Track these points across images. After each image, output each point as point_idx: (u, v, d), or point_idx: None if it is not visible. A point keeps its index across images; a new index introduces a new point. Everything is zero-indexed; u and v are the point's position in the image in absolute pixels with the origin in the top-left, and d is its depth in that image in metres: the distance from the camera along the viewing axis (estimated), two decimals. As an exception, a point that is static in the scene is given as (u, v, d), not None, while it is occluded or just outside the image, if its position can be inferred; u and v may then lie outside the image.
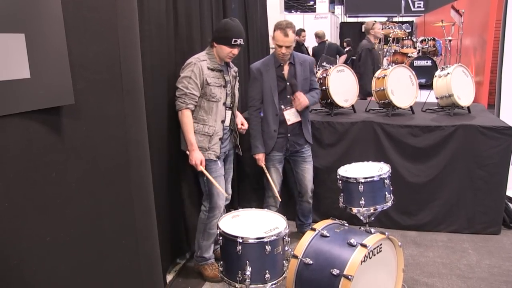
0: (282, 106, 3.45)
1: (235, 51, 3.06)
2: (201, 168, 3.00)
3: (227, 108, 3.16)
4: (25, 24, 1.34)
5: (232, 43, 3.00)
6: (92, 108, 1.63)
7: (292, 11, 32.49)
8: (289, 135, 3.50)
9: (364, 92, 5.55)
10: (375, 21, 6.46)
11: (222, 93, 3.08)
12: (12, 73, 1.32)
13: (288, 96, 3.46)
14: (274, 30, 3.32)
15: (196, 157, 2.98)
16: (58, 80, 1.46)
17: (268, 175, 3.46)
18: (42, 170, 1.44)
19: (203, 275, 3.26)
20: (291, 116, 3.46)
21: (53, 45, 1.43)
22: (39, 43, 1.38)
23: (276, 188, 3.48)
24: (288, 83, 3.44)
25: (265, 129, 3.46)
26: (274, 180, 3.51)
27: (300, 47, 8.26)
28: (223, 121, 3.11)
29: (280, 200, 3.53)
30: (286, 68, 3.46)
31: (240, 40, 3.03)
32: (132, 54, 1.82)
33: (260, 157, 3.46)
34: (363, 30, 6.27)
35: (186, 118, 2.98)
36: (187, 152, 3.04)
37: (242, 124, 3.35)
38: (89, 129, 1.62)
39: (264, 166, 3.47)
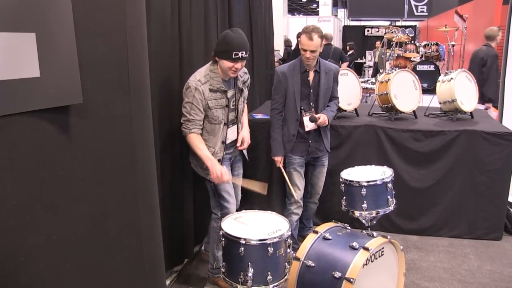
0: (303, 112, 3.43)
1: (238, 65, 2.84)
2: (226, 178, 2.89)
3: (231, 125, 3.07)
4: (36, 23, 1.35)
5: (233, 56, 2.79)
6: (100, 107, 1.64)
7: (295, 13, 32.58)
8: (310, 141, 3.50)
9: (485, 98, 5.46)
10: (499, 27, 6.26)
11: (224, 114, 2.98)
12: (22, 72, 1.33)
13: (311, 103, 3.45)
14: (301, 34, 3.30)
15: (217, 169, 2.85)
16: (67, 80, 1.47)
17: (286, 176, 3.46)
18: (49, 168, 1.45)
19: (220, 287, 3.19)
20: (309, 123, 3.43)
21: (63, 44, 1.44)
22: (50, 42, 1.39)
23: (294, 189, 3.47)
24: (311, 90, 3.43)
25: (285, 132, 3.48)
26: (296, 182, 3.52)
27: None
28: (223, 142, 3.02)
29: (295, 198, 3.49)
30: (311, 75, 3.43)
31: (242, 53, 2.81)
32: (140, 55, 1.84)
33: (279, 160, 3.48)
34: (485, 36, 6.00)
35: (193, 140, 2.88)
36: (207, 172, 2.95)
37: (242, 141, 3.19)
38: (96, 128, 1.63)
39: (282, 168, 3.48)
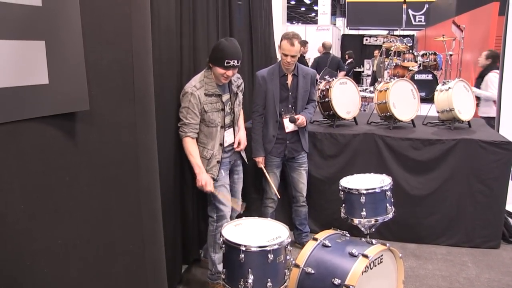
0: (283, 114, 3.58)
1: (229, 73, 2.97)
2: (209, 189, 3.01)
3: (228, 128, 3.17)
4: (45, 32, 1.38)
5: (225, 64, 2.92)
6: (105, 114, 1.67)
7: (294, 22, 32.75)
8: (288, 142, 3.65)
9: None
10: None
11: (220, 117, 3.08)
12: (32, 79, 1.36)
13: (290, 106, 3.60)
14: (281, 40, 3.46)
15: (204, 178, 2.99)
16: (75, 87, 1.50)
17: (267, 176, 3.59)
18: (56, 174, 1.48)
19: None
20: (289, 124, 3.60)
21: (71, 52, 1.47)
22: (58, 50, 1.42)
23: (275, 188, 3.64)
24: (290, 93, 3.58)
25: (265, 133, 3.62)
26: (274, 182, 3.67)
27: (302, 58, 8.39)
28: (221, 144, 3.12)
29: (279, 197, 3.68)
30: (290, 78, 3.59)
31: (234, 62, 2.93)
32: (145, 63, 1.87)
33: (260, 160, 3.62)
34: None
35: (187, 144, 3.00)
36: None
37: (239, 143, 3.29)
38: (102, 134, 1.66)
39: (264, 168, 3.62)
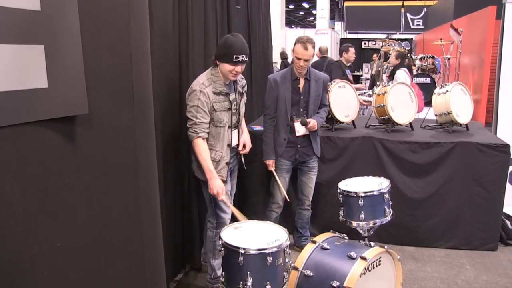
0: (294, 118, 3.57)
1: (238, 68, 2.91)
2: (223, 197, 2.92)
3: (234, 128, 3.11)
4: (44, 36, 1.40)
5: (234, 60, 2.86)
6: (104, 118, 1.69)
7: (293, 26, 32.84)
8: (299, 146, 3.65)
9: None
10: None
11: (228, 116, 3.02)
12: (31, 83, 1.37)
13: (301, 110, 3.60)
14: (295, 44, 3.48)
15: (217, 186, 2.89)
16: (74, 90, 1.51)
17: (277, 179, 3.57)
18: (55, 177, 1.49)
19: None
20: (300, 128, 3.59)
21: (70, 56, 1.48)
22: (57, 54, 1.44)
23: (284, 192, 3.61)
24: (302, 97, 3.58)
25: (276, 136, 3.62)
26: (283, 186, 3.63)
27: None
28: (229, 145, 3.06)
29: (288, 200, 3.63)
30: (302, 82, 3.59)
31: (243, 56, 2.88)
32: (143, 67, 1.88)
33: (271, 163, 3.61)
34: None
35: (199, 146, 2.89)
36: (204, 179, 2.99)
37: (244, 146, 3.25)
38: (101, 138, 1.67)
39: (274, 171, 3.61)
